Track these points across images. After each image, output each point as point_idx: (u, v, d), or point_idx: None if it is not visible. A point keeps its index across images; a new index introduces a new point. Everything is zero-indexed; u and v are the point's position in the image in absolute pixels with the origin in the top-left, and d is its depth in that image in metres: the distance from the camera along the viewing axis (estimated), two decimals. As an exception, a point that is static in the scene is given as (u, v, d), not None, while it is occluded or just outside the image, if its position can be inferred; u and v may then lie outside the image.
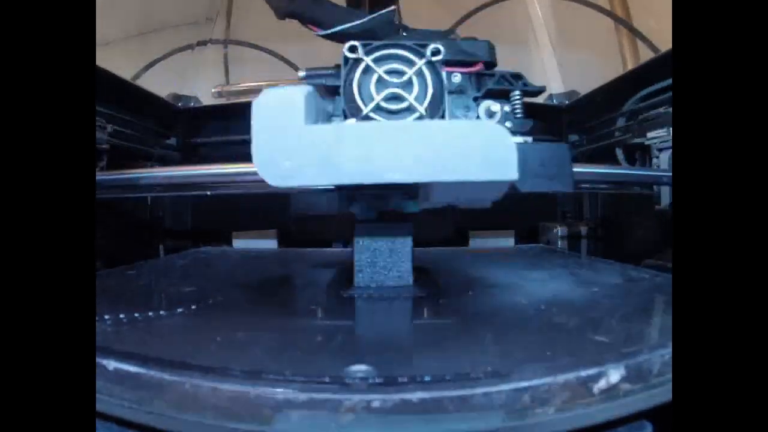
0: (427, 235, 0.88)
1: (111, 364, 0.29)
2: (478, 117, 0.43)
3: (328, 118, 0.41)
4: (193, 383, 0.27)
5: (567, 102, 1.07)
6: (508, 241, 1.00)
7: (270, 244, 0.98)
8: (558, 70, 1.22)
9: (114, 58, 1.25)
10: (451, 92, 0.42)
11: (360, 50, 0.41)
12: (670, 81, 0.69)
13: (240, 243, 0.99)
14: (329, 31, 0.42)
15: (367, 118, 0.40)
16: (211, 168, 0.64)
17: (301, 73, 0.43)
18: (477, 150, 0.32)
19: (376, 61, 0.41)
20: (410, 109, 0.41)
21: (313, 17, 0.43)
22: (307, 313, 0.47)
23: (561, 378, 0.27)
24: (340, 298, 0.51)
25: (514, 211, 1.02)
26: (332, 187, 0.46)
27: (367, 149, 0.32)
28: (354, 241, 0.53)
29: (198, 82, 1.22)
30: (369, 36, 0.42)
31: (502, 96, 0.44)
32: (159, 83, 1.11)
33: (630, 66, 1.24)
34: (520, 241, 1.02)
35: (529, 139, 0.42)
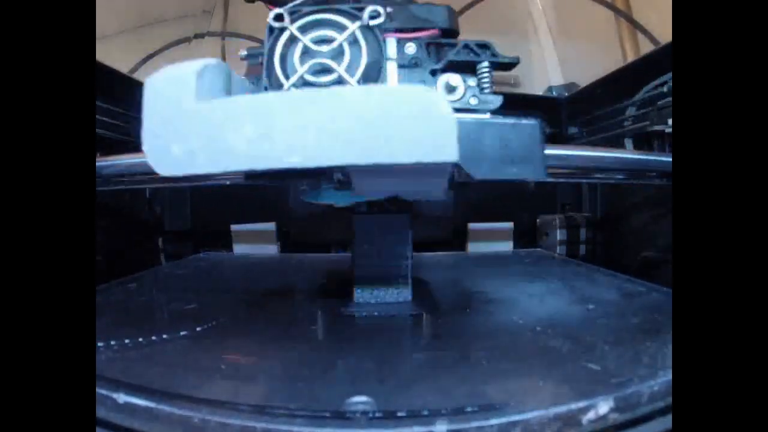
0: (424, 236, 0.88)
1: (121, 398, 0.29)
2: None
3: None
4: (202, 418, 0.28)
5: (566, 94, 1.07)
6: (506, 242, 1.01)
7: (270, 245, 0.99)
8: (558, 62, 1.21)
9: (111, 51, 1.24)
10: (403, 65, 0.37)
11: (286, 17, 0.36)
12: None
13: (240, 248, 0.99)
14: (285, 8, 0.37)
15: None
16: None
17: (242, 53, 0.40)
18: (402, 123, 0.25)
19: (303, 29, 0.36)
20: (342, 83, 0.35)
21: None
22: (308, 334, 0.47)
23: (552, 411, 0.28)
24: (339, 316, 0.51)
25: (513, 202, 1.02)
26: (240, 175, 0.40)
27: (264, 127, 0.26)
28: (353, 257, 0.53)
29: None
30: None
31: (469, 69, 0.38)
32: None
33: (630, 58, 1.23)
34: (519, 234, 1.02)
35: (499, 117, 0.37)
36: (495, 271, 0.78)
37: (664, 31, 1.09)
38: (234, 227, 1.01)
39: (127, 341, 0.41)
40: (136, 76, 1.13)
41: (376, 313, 0.51)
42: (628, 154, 0.71)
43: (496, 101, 0.38)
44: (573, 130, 1.02)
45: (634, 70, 0.81)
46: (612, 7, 1.26)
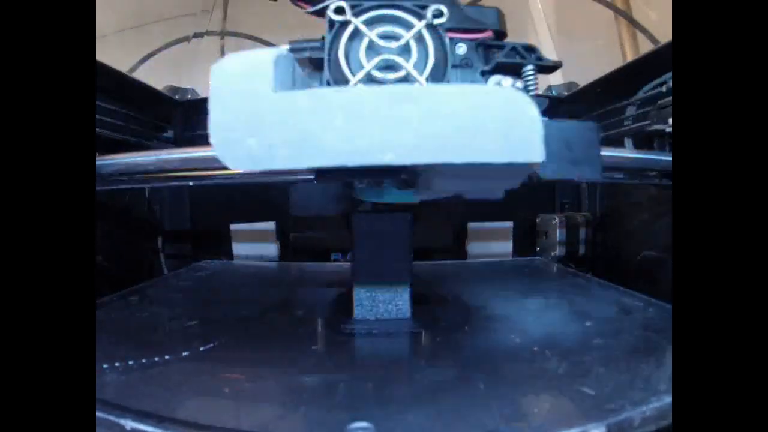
0: (424, 242, 0.88)
1: (128, 424, 0.30)
2: None
3: None
4: None
5: (566, 93, 1.07)
6: (506, 246, 1.01)
7: (270, 249, 0.99)
8: (557, 62, 1.21)
9: (110, 50, 1.24)
10: (455, 66, 0.37)
11: (348, 11, 0.35)
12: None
13: (240, 249, 0.99)
14: (318, 6, 0.37)
15: None
16: (191, 151, 0.58)
17: (286, 46, 0.38)
18: (494, 124, 0.25)
19: (367, 23, 0.35)
20: (408, 80, 0.35)
21: None
22: (310, 355, 0.47)
23: None
24: (340, 334, 0.51)
25: (513, 202, 1.02)
26: (311, 172, 0.40)
27: (355, 122, 0.25)
28: (352, 272, 0.53)
29: (195, 74, 1.21)
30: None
31: (514, 71, 0.39)
32: (156, 75, 1.10)
33: (630, 57, 1.23)
34: (518, 234, 1.02)
35: (544, 119, 0.38)
36: (493, 284, 0.78)
37: (663, 31, 1.09)
38: (234, 227, 1.01)
39: (131, 362, 0.41)
40: (135, 75, 1.12)
41: (375, 331, 0.51)
42: (631, 153, 0.71)
43: (542, 104, 0.37)
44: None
45: (634, 70, 0.80)
46: (612, 6, 1.26)
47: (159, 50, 1.25)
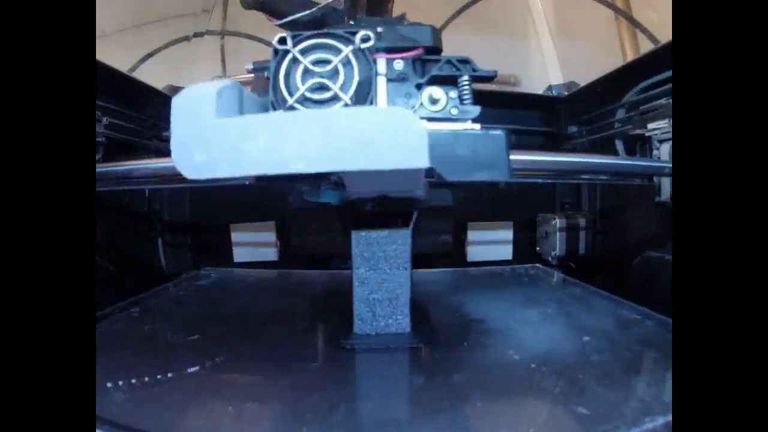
0: (423, 247, 0.89)
1: None
2: (422, 104, 0.42)
3: (264, 111, 0.41)
4: None
5: (566, 93, 1.07)
6: (506, 247, 1.01)
7: (270, 251, 0.99)
8: (557, 62, 1.21)
9: (110, 49, 1.24)
10: (391, 80, 0.42)
11: (289, 41, 0.40)
12: (671, 72, 0.68)
13: (240, 254, 0.99)
14: (282, 21, 0.43)
15: (292, 109, 0.40)
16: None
17: (248, 66, 0.43)
18: (383, 137, 0.31)
19: (304, 51, 0.41)
20: (337, 99, 0.40)
21: (273, 8, 0.44)
22: (311, 372, 0.48)
23: None
24: (340, 350, 0.51)
25: (513, 202, 1.02)
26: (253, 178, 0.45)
27: (274, 140, 0.31)
28: (353, 284, 0.54)
29: (195, 74, 1.21)
30: (319, 25, 0.42)
31: (451, 82, 0.43)
32: (156, 75, 1.10)
33: (630, 57, 1.23)
34: (518, 234, 1.02)
35: (477, 126, 0.41)
36: (493, 294, 0.78)
37: (663, 30, 1.09)
38: (234, 227, 1.01)
39: (134, 380, 0.42)
40: (135, 74, 1.12)
41: (375, 347, 0.52)
42: (588, 158, 0.71)
43: (475, 111, 0.42)
44: (573, 129, 1.02)
45: (634, 70, 0.80)
46: (612, 6, 1.26)
47: (159, 50, 1.24)
